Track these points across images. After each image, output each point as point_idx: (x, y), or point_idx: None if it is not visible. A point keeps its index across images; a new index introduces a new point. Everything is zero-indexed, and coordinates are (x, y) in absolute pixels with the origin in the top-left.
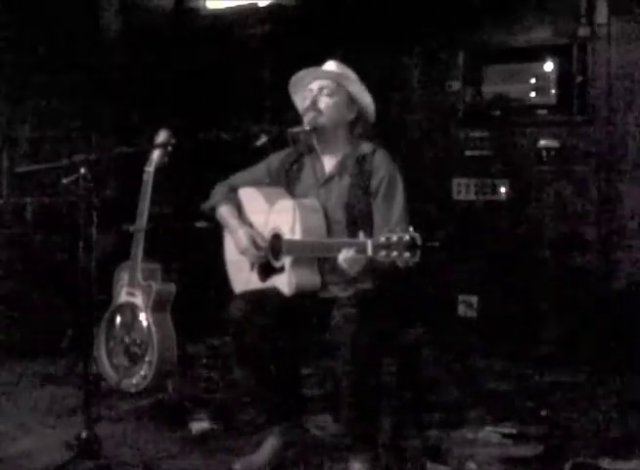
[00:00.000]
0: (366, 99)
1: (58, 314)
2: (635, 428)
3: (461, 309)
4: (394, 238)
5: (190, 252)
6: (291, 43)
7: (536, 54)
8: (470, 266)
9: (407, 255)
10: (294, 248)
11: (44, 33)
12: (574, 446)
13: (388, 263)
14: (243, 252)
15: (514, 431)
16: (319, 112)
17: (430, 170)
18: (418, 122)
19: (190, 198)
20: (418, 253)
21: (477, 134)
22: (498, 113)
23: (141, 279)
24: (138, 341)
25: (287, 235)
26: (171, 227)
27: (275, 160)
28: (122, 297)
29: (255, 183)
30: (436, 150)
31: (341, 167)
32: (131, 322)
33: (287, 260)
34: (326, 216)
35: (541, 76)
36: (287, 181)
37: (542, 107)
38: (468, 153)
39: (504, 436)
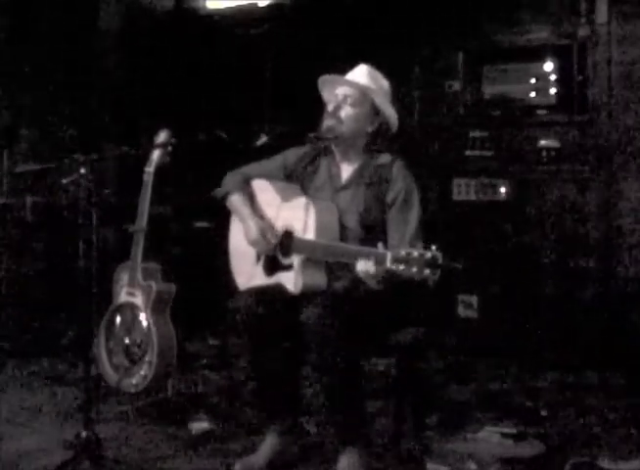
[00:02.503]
0: (390, 112)
1: (58, 314)
2: (635, 428)
3: (461, 309)
4: (415, 254)
5: (190, 252)
6: (290, 43)
7: (536, 54)
8: (470, 266)
9: (427, 272)
10: (306, 248)
11: (44, 33)
12: (574, 447)
13: (405, 277)
14: (252, 242)
15: (514, 431)
16: (339, 120)
17: (430, 170)
18: (418, 122)
19: (190, 198)
20: (438, 272)
21: (477, 134)
22: (498, 113)
23: (141, 279)
24: (138, 341)
25: (299, 233)
26: (171, 227)
27: (291, 156)
28: (122, 297)
29: (269, 176)
30: (436, 150)
31: (358, 176)
32: (131, 322)
33: (296, 259)
34: (340, 220)
35: (541, 76)
36: (301, 179)
37: (542, 107)
38: (468, 153)
39: (504, 436)
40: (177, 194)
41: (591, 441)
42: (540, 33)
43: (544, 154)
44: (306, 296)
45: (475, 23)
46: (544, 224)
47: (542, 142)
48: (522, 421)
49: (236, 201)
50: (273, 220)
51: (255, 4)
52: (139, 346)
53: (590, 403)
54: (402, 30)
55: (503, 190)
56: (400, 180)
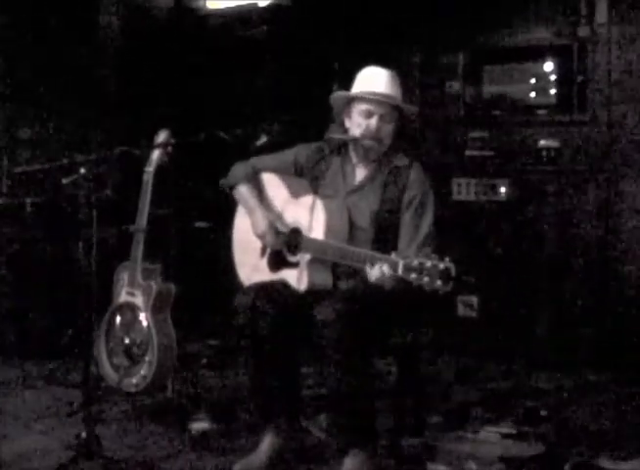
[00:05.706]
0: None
1: (58, 314)
2: (635, 428)
3: (461, 309)
4: (429, 264)
5: (190, 252)
6: (290, 43)
7: (536, 54)
8: (470, 266)
9: (439, 283)
10: (316, 247)
11: (44, 34)
12: (574, 447)
13: (415, 285)
14: (259, 235)
15: (514, 431)
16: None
17: (430, 170)
18: (418, 122)
19: (190, 198)
20: (451, 284)
21: (477, 134)
22: (498, 113)
23: (141, 279)
24: (138, 341)
25: (307, 232)
26: (171, 227)
27: (303, 152)
28: (122, 297)
29: (279, 170)
30: (436, 150)
31: (373, 176)
32: (131, 322)
33: (303, 257)
34: (350, 222)
35: (541, 76)
36: (311, 176)
37: (542, 107)
38: (468, 153)
39: (504, 436)
40: (177, 194)
41: (591, 441)
42: (540, 33)
43: (544, 154)
44: (316, 295)
45: (475, 23)
46: (544, 224)
47: (542, 142)
48: (522, 421)
49: (244, 192)
50: (281, 215)
51: (255, 4)
52: (139, 346)
53: (590, 403)
54: (402, 31)
55: (503, 190)
56: (417, 185)
